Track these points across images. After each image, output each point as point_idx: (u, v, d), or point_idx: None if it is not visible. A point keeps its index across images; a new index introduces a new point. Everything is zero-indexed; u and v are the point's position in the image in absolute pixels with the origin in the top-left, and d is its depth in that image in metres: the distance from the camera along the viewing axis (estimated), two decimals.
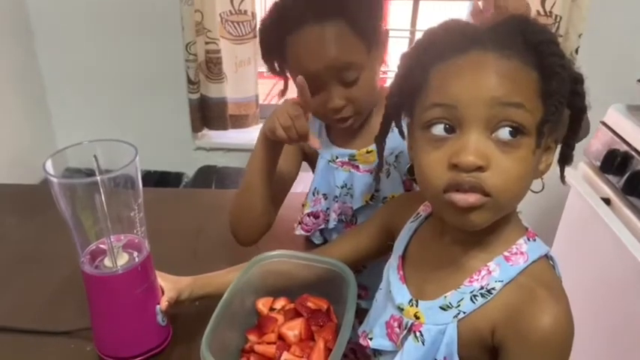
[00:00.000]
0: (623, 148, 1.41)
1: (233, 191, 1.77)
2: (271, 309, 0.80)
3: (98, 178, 0.68)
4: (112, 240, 0.76)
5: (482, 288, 0.58)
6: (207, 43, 1.89)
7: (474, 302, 0.57)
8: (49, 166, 0.68)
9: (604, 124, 1.52)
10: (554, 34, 0.56)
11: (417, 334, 0.61)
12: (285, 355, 0.70)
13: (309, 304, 0.77)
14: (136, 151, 0.72)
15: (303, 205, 1.03)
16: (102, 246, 0.76)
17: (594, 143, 1.54)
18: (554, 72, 0.53)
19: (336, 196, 0.96)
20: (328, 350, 0.70)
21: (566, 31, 1.78)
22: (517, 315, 0.55)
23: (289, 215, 1.19)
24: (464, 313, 0.58)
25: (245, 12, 1.88)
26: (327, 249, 0.84)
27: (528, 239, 0.60)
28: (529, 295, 0.55)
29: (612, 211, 1.36)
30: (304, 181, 1.95)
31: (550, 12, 1.75)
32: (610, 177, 1.44)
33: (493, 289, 0.57)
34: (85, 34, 1.98)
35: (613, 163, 1.42)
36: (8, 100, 1.84)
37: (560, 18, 1.74)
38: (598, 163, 1.49)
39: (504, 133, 0.53)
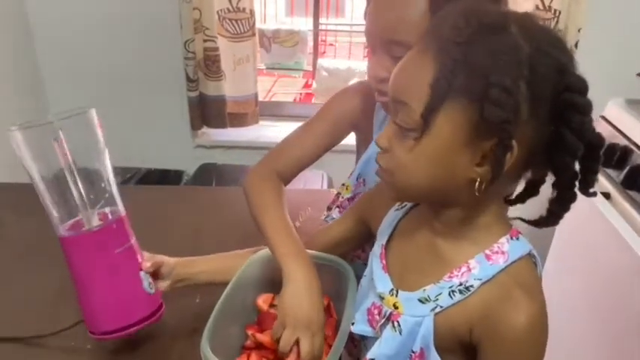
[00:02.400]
0: (623, 142, 1.41)
1: (233, 188, 1.78)
2: (271, 305, 0.80)
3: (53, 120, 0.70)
4: (83, 197, 0.74)
5: (460, 284, 0.58)
6: (205, 40, 1.89)
7: (451, 298, 0.58)
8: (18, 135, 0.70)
9: (603, 118, 1.52)
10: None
11: (395, 323, 0.62)
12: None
13: None
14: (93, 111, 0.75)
15: (338, 194, 1.02)
16: (80, 216, 0.74)
17: None
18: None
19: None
20: (328, 346, 0.71)
21: (565, 26, 1.78)
22: (493, 314, 0.55)
23: (289, 213, 1.19)
24: (441, 307, 0.59)
25: (243, 10, 1.88)
26: (310, 243, 0.83)
27: (511, 238, 0.59)
28: (506, 295, 0.56)
29: (612, 205, 1.36)
30: (304, 180, 1.96)
31: (549, 6, 1.74)
32: (610, 171, 1.44)
33: (471, 286, 0.57)
34: (84, 32, 1.97)
35: (612, 157, 1.41)
36: (8, 99, 1.84)
37: (560, 12, 1.74)
38: None
39: (398, 121, 0.56)
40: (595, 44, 1.82)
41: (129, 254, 0.77)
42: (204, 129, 2.11)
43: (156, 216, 1.10)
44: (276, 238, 0.78)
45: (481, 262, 0.58)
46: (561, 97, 0.52)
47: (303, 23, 3.85)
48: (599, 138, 0.54)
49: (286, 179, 0.94)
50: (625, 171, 1.36)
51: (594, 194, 0.57)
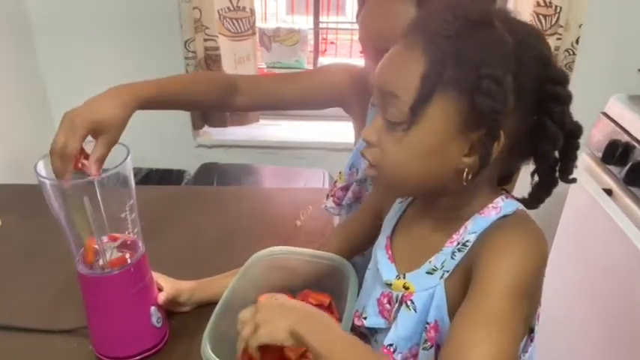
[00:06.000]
0: (625, 138, 1.40)
1: (234, 188, 1.78)
2: None
3: (94, 178, 0.68)
4: (105, 240, 0.76)
5: (459, 244, 0.59)
6: (205, 40, 1.89)
7: (453, 259, 0.59)
8: (41, 167, 0.68)
9: (605, 114, 1.51)
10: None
11: (409, 303, 0.62)
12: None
13: (311, 300, 0.78)
14: (127, 151, 0.72)
15: (335, 182, 1.04)
16: (97, 246, 0.76)
17: (595, 134, 1.53)
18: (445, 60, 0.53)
19: (360, 180, 0.96)
20: None
21: (566, 22, 1.77)
22: (487, 245, 0.56)
23: (289, 212, 1.19)
24: (447, 272, 0.60)
25: (244, 9, 1.88)
26: (327, 243, 0.85)
27: (506, 198, 0.61)
28: (502, 226, 0.57)
29: (614, 201, 1.35)
30: (305, 179, 1.96)
31: (550, 2, 1.74)
32: (611, 168, 1.44)
33: (468, 241, 0.59)
34: (84, 33, 1.97)
35: (614, 153, 1.41)
36: (8, 100, 1.84)
37: (561, 8, 1.74)
38: (599, 154, 1.48)
39: (386, 115, 0.57)
40: (596, 40, 1.81)
41: (143, 293, 0.79)
42: (206, 128, 2.11)
43: (157, 216, 1.10)
44: None
45: (475, 219, 0.60)
46: (544, 89, 0.54)
47: (303, 22, 3.84)
48: (579, 127, 0.57)
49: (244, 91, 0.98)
50: (627, 167, 1.36)
51: (574, 180, 0.59)
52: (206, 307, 0.77)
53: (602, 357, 1.43)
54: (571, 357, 1.61)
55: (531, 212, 0.62)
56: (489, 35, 0.53)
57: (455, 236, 0.60)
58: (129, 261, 0.77)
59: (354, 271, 0.76)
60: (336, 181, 1.02)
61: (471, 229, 0.59)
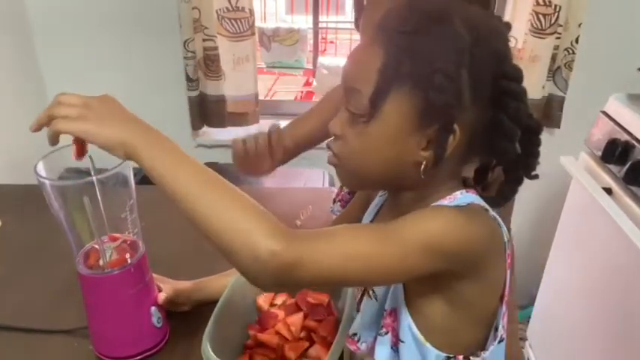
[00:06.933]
0: (624, 137, 1.40)
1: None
2: (272, 305, 0.80)
3: (93, 178, 0.68)
4: (105, 240, 0.76)
5: None
6: (204, 40, 1.88)
7: None
8: (41, 168, 0.68)
9: (605, 113, 1.52)
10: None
11: (370, 292, 0.65)
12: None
13: (309, 299, 0.78)
14: None
15: (341, 186, 1.05)
16: (97, 246, 0.76)
17: (595, 133, 1.53)
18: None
19: None
20: (328, 345, 0.71)
21: (565, 21, 1.77)
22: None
23: (289, 212, 1.19)
24: None
25: (243, 9, 1.88)
26: None
27: (466, 192, 0.61)
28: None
29: (614, 200, 1.35)
30: (305, 179, 1.95)
31: (549, 1, 1.74)
32: (611, 167, 1.44)
33: None
34: (83, 33, 1.97)
35: (614, 152, 1.41)
36: (8, 100, 1.84)
37: (560, 7, 1.73)
38: (599, 153, 1.48)
39: (349, 107, 0.59)
40: (596, 39, 1.81)
41: (143, 293, 0.79)
42: (205, 128, 2.11)
43: (158, 216, 1.10)
44: None
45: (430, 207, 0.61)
46: (499, 84, 0.55)
47: (303, 21, 3.85)
48: (537, 123, 0.58)
49: (290, 153, 1.02)
50: (627, 166, 1.36)
51: (536, 177, 0.60)
52: (206, 307, 0.77)
53: (602, 356, 1.43)
54: (571, 356, 1.61)
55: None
56: (445, 30, 0.54)
57: None
58: (129, 261, 0.77)
59: None
60: (342, 185, 1.04)
61: None
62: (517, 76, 0.56)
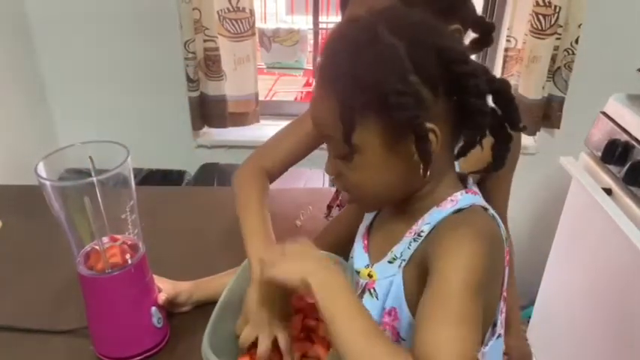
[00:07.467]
0: (624, 138, 1.40)
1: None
2: None
3: (94, 179, 0.68)
4: (105, 241, 0.76)
5: (415, 234, 0.62)
6: (205, 40, 1.89)
7: (409, 248, 0.62)
8: (41, 168, 0.69)
9: (604, 114, 1.52)
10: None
11: (372, 290, 0.66)
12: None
13: (309, 298, 0.78)
14: (127, 152, 0.72)
15: (337, 191, 1.06)
16: (97, 247, 0.76)
17: (595, 133, 1.53)
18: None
19: None
20: (327, 345, 0.71)
21: (565, 22, 1.77)
22: (439, 243, 0.57)
23: (289, 212, 1.19)
24: (404, 261, 0.62)
25: (243, 9, 1.88)
26: (320, 239, 0.87)
27: (466, 193, 0.63)
28: (453, 227, 0.59)
29: (614, 201, 1.36)
30: (305, 179, 1.95)
31: (549, 2, 1.74)
32: (611, 167, 1.44)
33: (422, 232, 0.61)
34: (84, 33, 1.98)
35: (614, 153, 1.41)
36: (8, 100, 1.84)
37: (560, 8, 1.73)
38: (599, 154, 1.48)
39: (331, 151, 0.63)
40: (595, 40, 1.81)
41: (143, 294, 0.79)
42: (206, 129, 2.11)
43: (158, 216, 1.10)
44: (249, 237, 0.81)
45: (432, 212, 0.62)
46: (450, 70, 0.55)
47: (303, 22, 3.85)
48: (501, 82, 0.58)
49: (273, 176, 0.95)
50: (626, 167, 1.36)
51: (524, 128, 0.61)
52: (206, 307, 0.77)
53: (602, 356, 1.43)
54: (571, 356, 1.61)
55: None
56: (376, 48, 0.55)
57: (414, 227, 0.63)
58: (129, 262, 0.77)
59: (349, 267, 0.76)
60: (338, 190, 1.03)
61: (426, 221, 0.62)
62: (462, 57, 0.56)
